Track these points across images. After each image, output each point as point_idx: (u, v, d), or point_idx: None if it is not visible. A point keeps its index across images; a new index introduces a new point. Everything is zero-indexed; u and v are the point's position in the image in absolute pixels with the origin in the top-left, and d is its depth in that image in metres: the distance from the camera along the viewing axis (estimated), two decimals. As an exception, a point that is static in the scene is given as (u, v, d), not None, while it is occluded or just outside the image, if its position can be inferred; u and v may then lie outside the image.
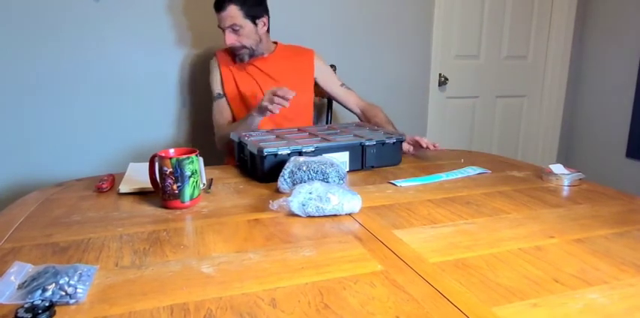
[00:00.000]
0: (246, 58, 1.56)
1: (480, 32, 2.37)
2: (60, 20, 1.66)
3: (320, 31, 2.02)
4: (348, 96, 1.69)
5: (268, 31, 1.59)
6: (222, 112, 1.60)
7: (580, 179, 1.09)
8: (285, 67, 1.63)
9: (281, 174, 0.99)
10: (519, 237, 0.77)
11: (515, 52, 2.48)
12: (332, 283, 0.62)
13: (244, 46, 1.53)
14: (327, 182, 0.98)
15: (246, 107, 1.59)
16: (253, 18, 1.51)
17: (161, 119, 1.86)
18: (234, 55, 1.58)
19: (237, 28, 1.49)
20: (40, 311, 0.52)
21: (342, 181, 1.00)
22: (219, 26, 1.52)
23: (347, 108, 1.72)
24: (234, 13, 1.48)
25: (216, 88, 1.61)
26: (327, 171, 0.99)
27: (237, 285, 0.61)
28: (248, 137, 1.20)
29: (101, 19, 1.70)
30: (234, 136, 1.25)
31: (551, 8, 2.49)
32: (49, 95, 1.70)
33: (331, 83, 1.70)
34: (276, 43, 1.68)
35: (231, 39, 1.51)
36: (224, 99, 1.60)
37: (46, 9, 1.64)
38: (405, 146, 1.38)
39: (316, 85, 1.69)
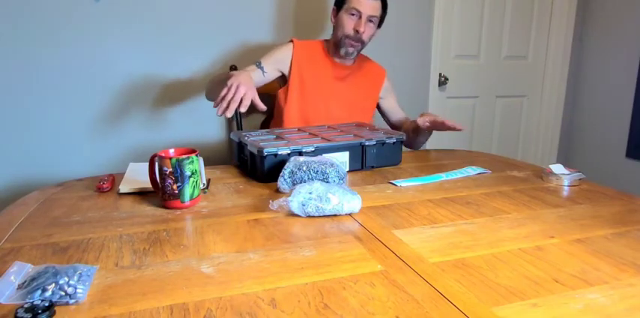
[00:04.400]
0: (355, 54, 1.49)
1: (480, 32, 2.37)
2: (60, 20, 1.66)
3: (320, 31, 2.02)
4: (399, 115, 1.66)
5: None
6: None
7: (580, 179, 1.09)
8: (356, 85, 1.55)
9: (281, 174, 0.99)
10: (519, 237, 0.77)
11: (515, 52, 2.48)
12: (332, 283, 0.62)
13: (364, 42, 1.47)
14: (327, 182, 0.98)
15: (300, 99, 1.51)
16: (382, 20, 1.48)
17: (161, 119, 1.86)
18: (320, 49, 1.50)
19: (373, 20, 1.44)
20: (39, 311, 0.52)
21: (342, 181, 1.00)
22: (352, 7, 1.41)
23: (388, 121, 1.70)
24: (379, 6, 1.43)
25: (265, 61, 1.47)
26: (327, 171, 0.99)
27: (237, 285, 0.61)
28: (248, 137, 1.20)
29: (101, 19, 1.70)
30: (234, 136, 1.25)
31: (551, 8, 2.49)
32: (49, 95, 1.70)
33: (391, 107, 1.67)
34: None
35: (368, 29, 1.44)
36: (259, 72, 1.45)
37: (46, 9, 1.64)
38: (421, 121, 1.36)
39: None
